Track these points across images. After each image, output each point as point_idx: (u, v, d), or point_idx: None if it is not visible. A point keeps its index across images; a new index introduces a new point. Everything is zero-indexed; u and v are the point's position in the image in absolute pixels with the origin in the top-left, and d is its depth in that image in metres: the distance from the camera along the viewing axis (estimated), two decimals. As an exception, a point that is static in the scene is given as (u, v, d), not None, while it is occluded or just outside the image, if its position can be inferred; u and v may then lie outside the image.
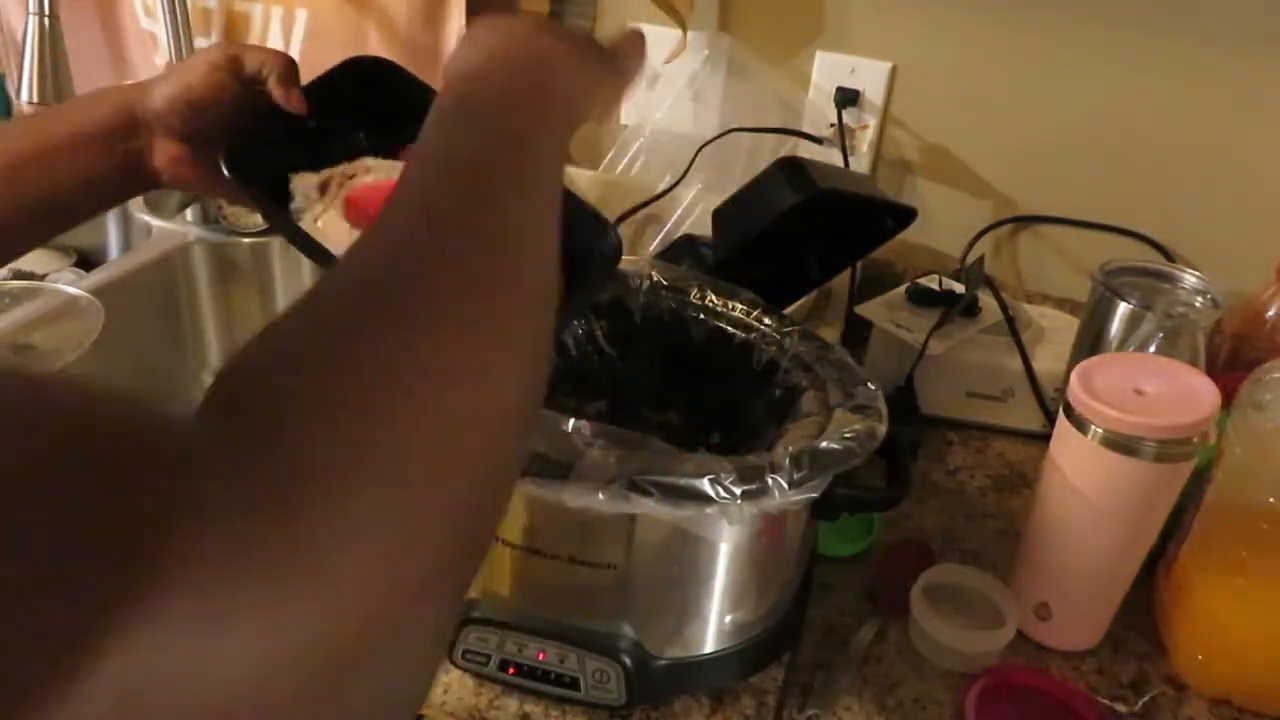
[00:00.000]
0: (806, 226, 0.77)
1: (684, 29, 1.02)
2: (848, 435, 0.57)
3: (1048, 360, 0.89)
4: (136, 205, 1.21)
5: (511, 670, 0.61)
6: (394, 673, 0.28)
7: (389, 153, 0.62)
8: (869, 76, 1.01)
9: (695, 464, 0.52)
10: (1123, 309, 0.80)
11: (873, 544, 0.75)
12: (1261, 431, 0.61)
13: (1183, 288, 0.81)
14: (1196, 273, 0.82)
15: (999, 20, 0.95)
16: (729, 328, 0.73)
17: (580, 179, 1.12)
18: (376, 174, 0.61)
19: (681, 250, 0.81)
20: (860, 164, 1.04)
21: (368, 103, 0.62)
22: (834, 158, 1.01)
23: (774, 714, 0.62)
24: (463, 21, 1.05)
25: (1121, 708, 0.64)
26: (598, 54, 0.50)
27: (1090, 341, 0.84)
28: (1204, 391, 0.61)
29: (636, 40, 0.54)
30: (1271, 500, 0.62)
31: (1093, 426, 0.60)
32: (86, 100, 0.59)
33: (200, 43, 1.14)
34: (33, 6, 0.88)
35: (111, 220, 1.30)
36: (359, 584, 0.25)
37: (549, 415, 0.54)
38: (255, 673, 0.23)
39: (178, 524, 0.23)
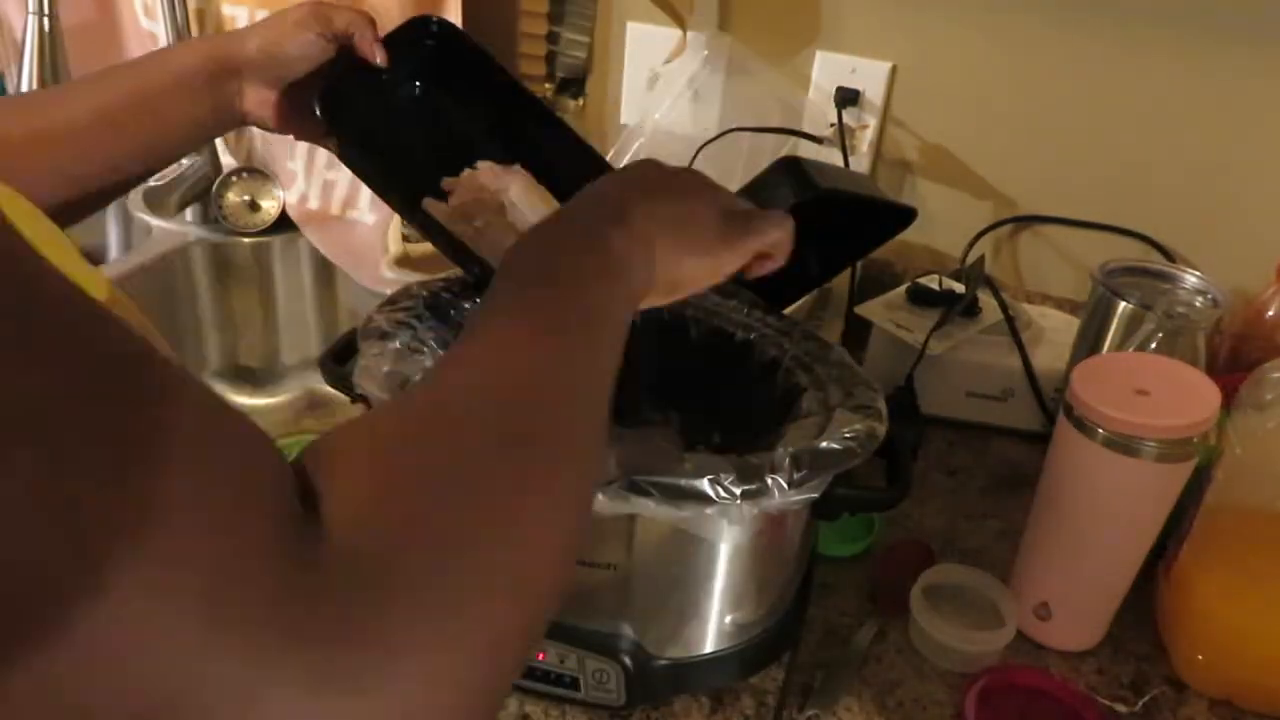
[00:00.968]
0: (806, 226, 0.77)
1: (684, 29, 1.02)
2: (848, 435, 0.57)
3: (1048, 360, 0.89)
4: (136, 205, 1.21)
5: (511, 670, 0.61)
6: None
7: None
8: (869, 76, 1.01)
9: (695, 464, 0.52)
10: (1123, 309, 0.80)
11: (873, 544, 0.75)
12: (1262, 431, 0.61)
13: (1183, 288, 0.81)
14: (1196, 273, 0.82)
15: (999, 20, 0.95)
16: (729, 328, 0.73)
17: (580, 179, 1.12)
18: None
19: (681, 250, 0.81)
20: (860, 164, 1.04)
21: (435, 59, 0.70)
22: (834, 158, 1.01)
23: (774, 714, 0.62)
24: (459, 20, 1.05)
25: (1121, 708, 0.64)
26: (726, 223, 0.52)
27: (1090, 341, 0.84)
28: (1204, 391, 0.61)
29: (781, 222, 0.55)
30: (1271, 500, 0.62)
31: (1093, 426, 0.60)
32: (181, 50, 0.67)
33: (200, 43, 1.14)
34: (33, 6, 0.88)
35: (111, 220, 1.30)
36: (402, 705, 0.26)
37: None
38: None
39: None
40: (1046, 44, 0.95)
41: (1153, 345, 0.70)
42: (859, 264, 0.93)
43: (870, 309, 0.92)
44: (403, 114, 0.70)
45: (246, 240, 1.21)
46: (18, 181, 0.52)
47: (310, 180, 1.17)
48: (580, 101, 1.13)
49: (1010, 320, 0.90)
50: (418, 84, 0.70)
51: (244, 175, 1.16)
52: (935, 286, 0.94)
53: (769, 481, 0.52)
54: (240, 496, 0.25)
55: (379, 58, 0.65)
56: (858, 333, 0.94)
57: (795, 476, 0.52)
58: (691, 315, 0.73)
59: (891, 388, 0.88)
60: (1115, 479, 0.61)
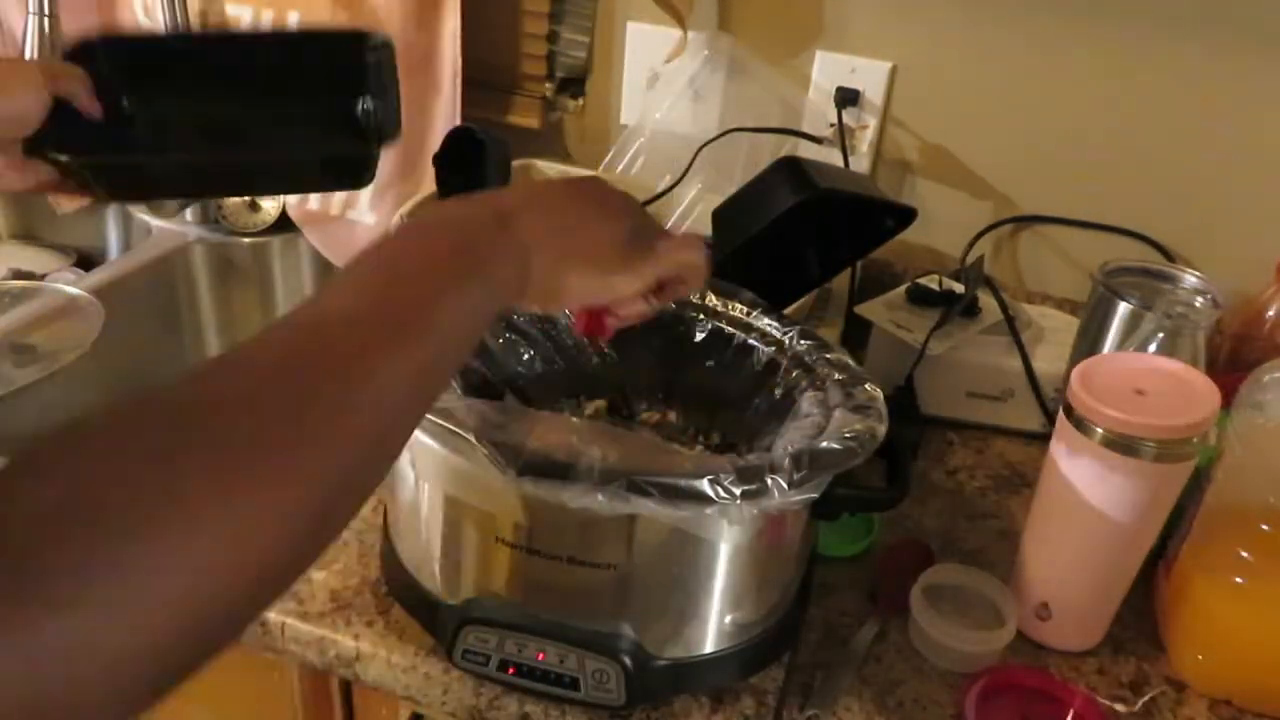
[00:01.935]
0: (806, 226, 0.77)
1: (684, 29, 1.02)
2: (848, 435, 0.57)
3: (1048, 360, 0.89)
4: (137, 205, 1.21)
5: (511, 670, 0.61)
6: None
7: None
8: (869, 76, 1.01)
9: (695, 464, 0.52)
10: (1123, 309, 0.80)
11: (873, 544, 0.75)
12: (1261, 431, 0.61)
13: (1183, 288, 0.81)
14: (1196, 273, 0.82)
15: (999, 20, 0.95)
16: (729, 328, 0.73)
17: (580, 179, 1.12)
18: None
19: (681, 250, 0.81)
20: (860, 164, 1.04)
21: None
22: (834, 158, 1.01)
23: (774, 714, 0.62)
24: (457, 23, 1.05)
25: (1121, 708, 0.64)
26: (628, 244, 0.52)
27: (1090, 341, 0.84)
28: (1204, 391, 0.61)
29: (690, 245, 0.55)
30: (1271, 500, 0.62)
31: (1093, 426, 0.60)
32: None
33: (200, 43, 1.14)
34: (33, 6, 0.88)
35: (111, 220, 1.30)
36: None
37: (549, 415, 0.54)
38: None
39: None
40: (1047, 44, 0.95)
41: (1152, 345, 0.70)
42: (859, 264, 0.93)
43: (870, 309, 0.92)
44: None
45: (246, 240, 1.21)
46: None
47: (310, 180, 1.17)
48: (580, 101, 1.13)
49: (1010, 320, 0.90)
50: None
51: (244, 175, 1.15)
52: (935, 286, 0.94)
53: (769, 481, 0.52)
54: None
55: (94, 110, 0.64)
56: (858, 333, 0.94)
57: (795, 476, 0.52)
58: (691, 315, 0.73)
59: (891, 388, 0.88)
60: (1115, 479, 0.61)
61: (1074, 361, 0.86)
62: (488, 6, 1.08)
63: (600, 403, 0.75)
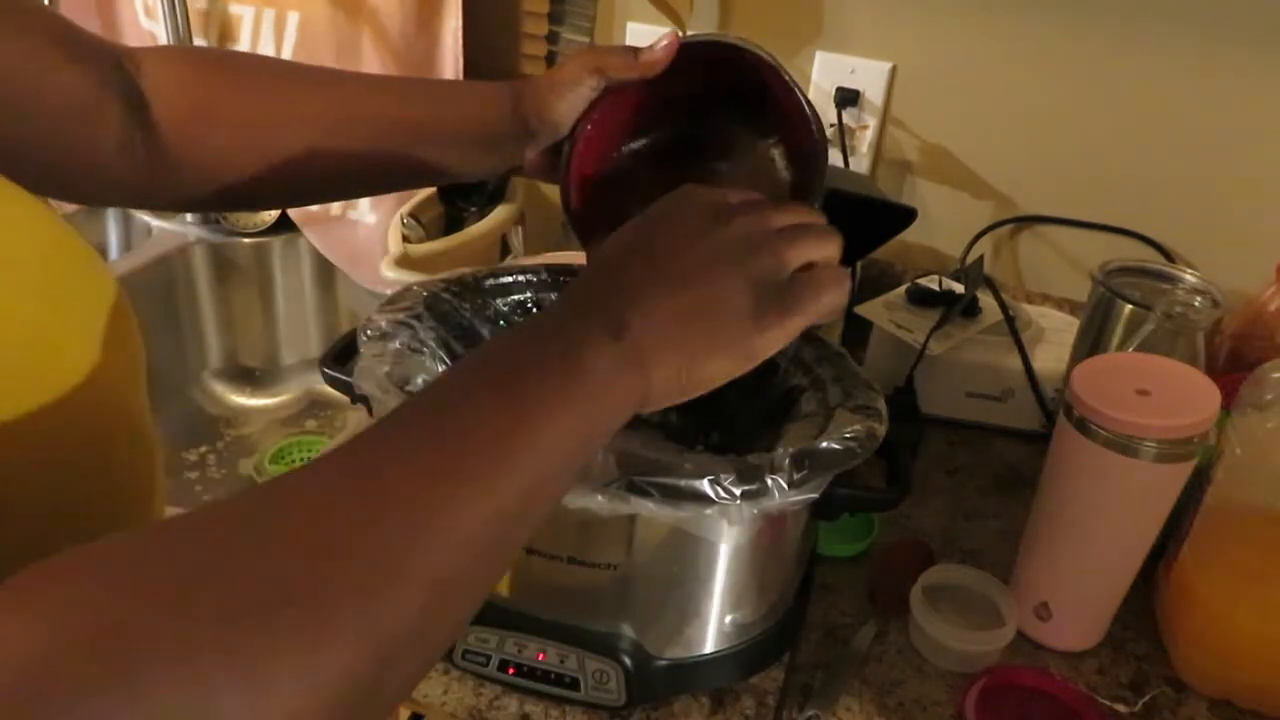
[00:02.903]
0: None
1: (684, 29, 1.02)
2: (848, 435, 0.57)
3: (1048, 360, 0.89)
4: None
5: (511, 670, 0.61)
6: None
7: None
8: (869, 76, 1.01)
9: (695, 464, 0.52)
10: (1123, 309, 0.80)
11: (873, 544, 0.75)
12: (1262, 431, 0.61)
13: (1183, 288, 0.81)
14: (1196, 273, 0.82)
15: (999, 20, 0.95)
16: (729, 328, 0.73)
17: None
18: None
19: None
20: (860, 164, 1.04)
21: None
22: (834, 158, 1.01)
23: (774, 714, 0.62)
24: (458, 23, 1.05)
25: (1121, 708, 0.64)
26: (761, 301, 0.44)
27: (1090, 341, 0.84)
28: (1204, 391, 0.61)
29: (838, 282, 0.46)
30: (1271, 500, 0.62)
31: (1093, 427, 0.60)
32: (484, 96, 0.60)
33: (199, 42, 1.15)
34: (32, 7, 0.88)
35: (111, 220, 1.30)
36: None
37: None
38: None
39: None
40: (1046, 44, 0.95)
41: (1152, 346, 0.70)
42: (859, 264, 0.93)
43: (870, 309, 0.92)
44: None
45: (246, 240, 1.22)
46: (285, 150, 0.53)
47: (310, 180, 1.17)
48: (580, 102, 1.13)
49: (1010, 320, 0.90)
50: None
51: (244, 175, 1.15)
52: (935, 286, 0.94)
53: (769, 481, 0.52)
54: None
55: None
56: (858, 333, 0.94)
57: (795, 476, 0.52)
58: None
59: (891, 388, 0.88)
60: (1115, 479, 0.61)
61: (1074, 361, 0.86)
62: (488, 7, 1.09)
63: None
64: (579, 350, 0.39)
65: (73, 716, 0.24)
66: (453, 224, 1.10)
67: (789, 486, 0.52)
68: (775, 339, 0.44)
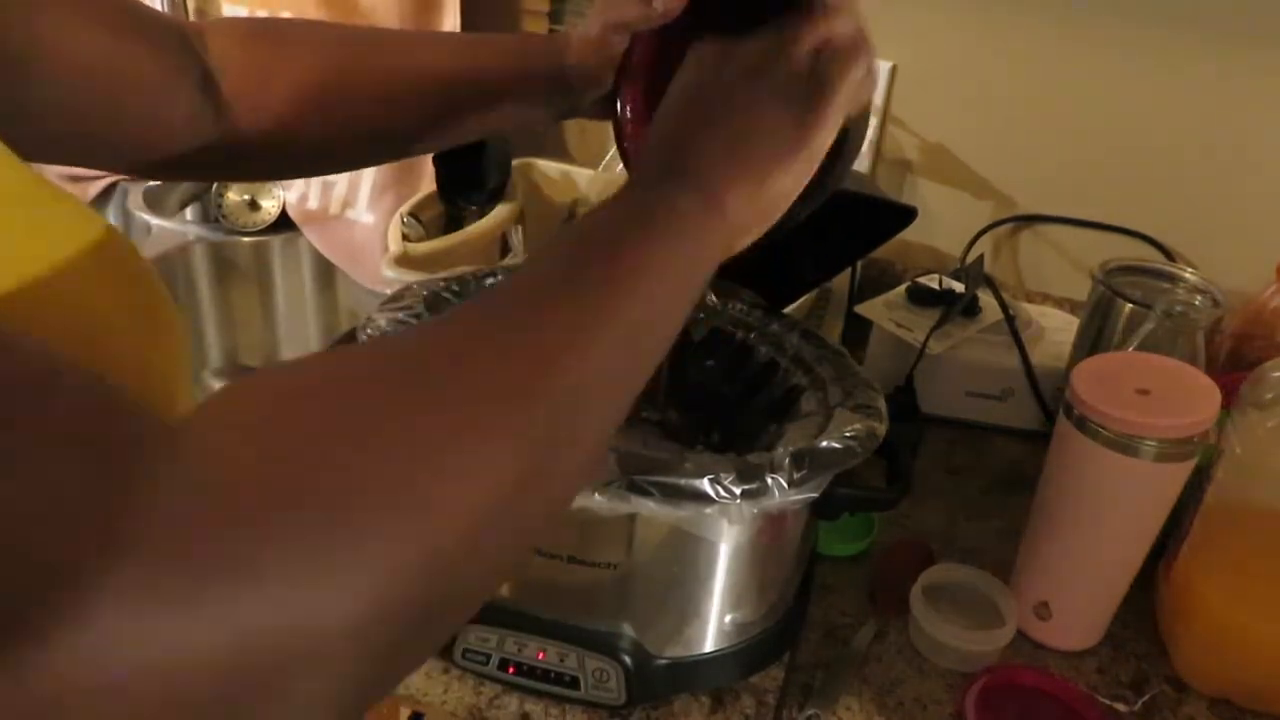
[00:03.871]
0: (806, 226, 0.77)
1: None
2: (848, 435, 0.57)
3: (1048, 360, 0.89)
4: (136, 204, 1.21)
5: (511, 669, 0.61)
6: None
7: None
8: (869, 76, 1.01)
9: (695, 464, 0.52)
10: (1123, 309, 0.80)
11: (873, 544, 0.75)
12: (1262, 431, 0.61)
13: (1183, 287, 0.81)
14: (1196, 272, 0.82)
15: (999, 20, 0.95)
16: (729, 328, 0.73)
17: (580, 178, 1.12)
18: None
19: (681, 250, 0.81)
20: (860, 163, 1.04)
21: None
22: (834, 157, 1.00)
23: (774, 714, 0.62)
24: (456, 22, 1.05)
25: (1121, 707, 0.64)
26: (795, 104, 0.46)
27: (1090, 341, 0.84)
28: (1204, 391, 0.61)
29: (849, 44, 0.47)
30: (1272, 500, 0.62)
31: (1093, 426, 0.60)
32: (521, 48, 0.61)
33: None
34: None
35: (111, 218, 1.30)
36: (277, 613, 0.25)
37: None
38: (221, 653, 0.24)
39: (154, 505, 0.24)
40: (1047, 44, 0.95)
41: (1152, 345, 0.70)
42: (859, 264, 0.93)
43: (870, 308, 0.92)
44: None
45: (246, 240, 1.22)
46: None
47: (310, 180, 1.17)
48: (580, 101, 1.13)
49: (1010, 320, 0.90)
50: None
51: (244, 175, 1.15)
52: (935, 286, 0.94)
53: (769, 481, 0.52)
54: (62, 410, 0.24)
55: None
56: (858, 332, 0.94)
57: (795, 476, 0.52)
58: (691, 315, 0.73)
59: (891, 387, 0.88)
60: (1115, 479, 0.61)
61: (1074, 361, 0.86)
62: (487, 6, 1.08)
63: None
64: (662, 203, 0.42)
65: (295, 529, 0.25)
66: (453, 223, 1.10)
67: (789, 486, 0.52)
68: (825, 127, 0.46)
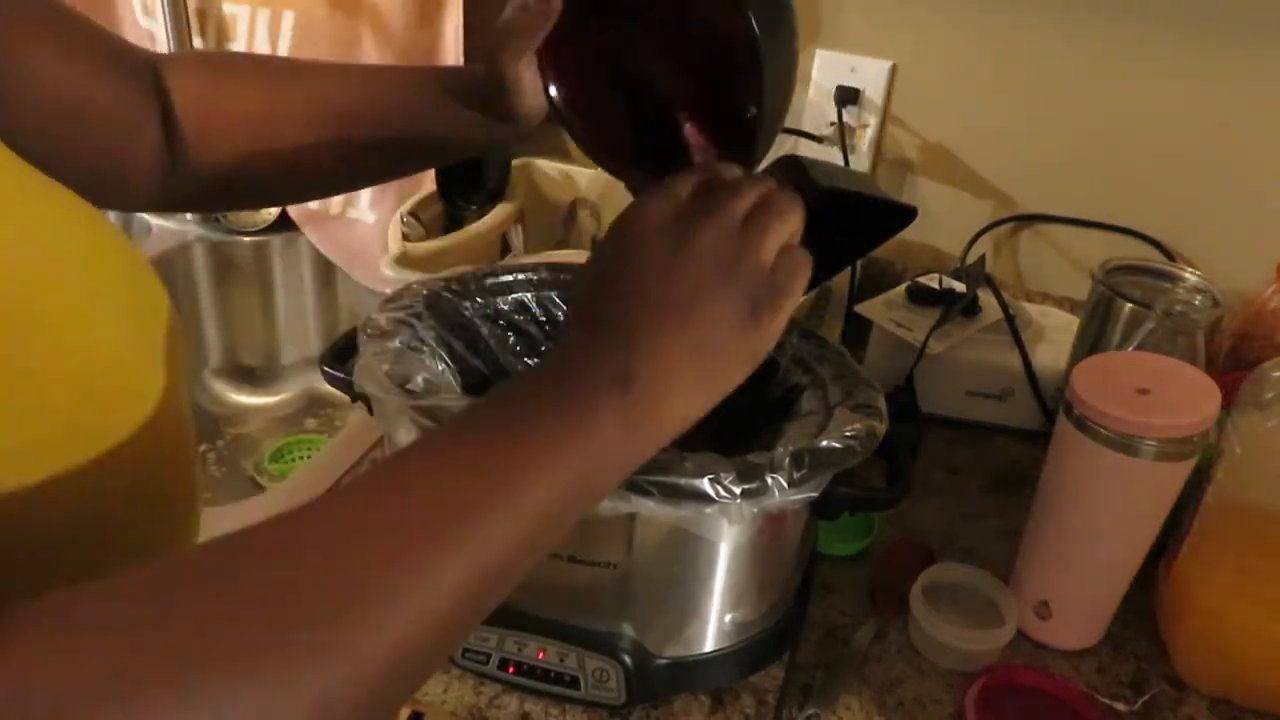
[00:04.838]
0: (806, 225, 0.77)
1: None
2: (848, 434, 0.57)
3: (1048, 359, 0.89)
4: (136, 204, 1.20)
5: (511, 669, 0.61)
6: None
7: None
8: (869, 75, 1.01)
9: (695, 464, 0.52)
10: (1123, 308, 0.80)
11: (873, 544, 0.75)
12: (1262, 431, 0.61)
13: (1183, 287, 0.81)
14: (1196, 272, 0.82)
15: (999, 20, 0.95)
16: (729, 327, 0.72)
17: (580, 178, 1.12)
18: None
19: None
20: (860, 163, 1.04)
21: None
22: (834, 156, 1.01)
23: (774, 714, 0.62)
24: (459, 20, 1.05)
25: (1121, 707, 0.64)
26: (750, 307, 0.43)
27: (1090, 341, 0.84)
28: (1204, 391, 0.61)
29: (798, 266, 0.45)
30: (1272, 500, 0.62)
31: (1093, 426, 0.60)
32: (418, 77, 0.60)
33: (198, 43, 1.14)
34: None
35: (111, 219, 1.30)
36: None
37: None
38: None
39: None
40: (1047, 44, 0.95)
41: (1152, 344, 0.70)
42: (859, 263, 0.93)
43: (870, 308, 0.92)
44: None
45: (246, 239, 1.22)
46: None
47: (310, 179, 1.17)
48: (580, 100, 1.13)
49: (1010, 319, 0.90)
50: None
51: (244, 174, 1.15)
52: (935, 285, 0.94)
53: (769, 481, 0.52)
54: None
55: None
56: (858, 332, 0.94)
57: (795, 476, 0.52)
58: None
59: (891, 387, 0.88)
60: (1115, 479, 0.61)
61: (1074, 360, 0.86)
62: (488, 6, 1.08)
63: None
64: (581, 409, 0.39)
65: None
66: (453, 223, 1.10)
67: (789, 485, 0.52)
68: (776, 331, 0.44)
